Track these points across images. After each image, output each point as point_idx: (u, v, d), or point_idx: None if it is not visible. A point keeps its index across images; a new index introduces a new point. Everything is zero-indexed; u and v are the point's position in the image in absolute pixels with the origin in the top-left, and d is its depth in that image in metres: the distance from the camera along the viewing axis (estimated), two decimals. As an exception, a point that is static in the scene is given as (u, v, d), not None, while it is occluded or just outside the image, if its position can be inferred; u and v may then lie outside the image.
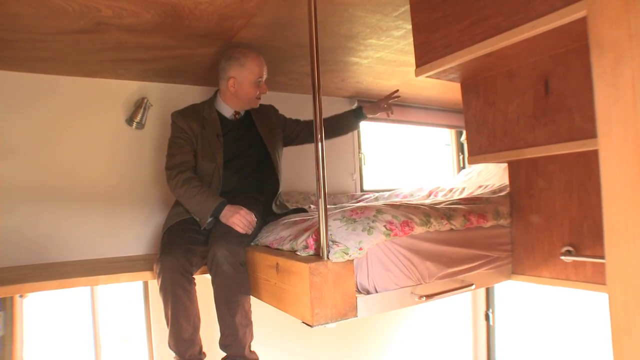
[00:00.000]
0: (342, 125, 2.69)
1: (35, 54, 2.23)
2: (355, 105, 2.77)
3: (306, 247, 1.63)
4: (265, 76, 2.27)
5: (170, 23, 1.97)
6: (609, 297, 0.77)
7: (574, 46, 1.64)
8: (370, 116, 2.72)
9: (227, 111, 2.33)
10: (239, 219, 1.97)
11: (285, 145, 2.58)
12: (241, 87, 2.24)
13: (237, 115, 2.35)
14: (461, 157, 4.43)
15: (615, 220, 0.75)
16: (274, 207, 2.29)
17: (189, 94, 2.86)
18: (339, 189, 3.53)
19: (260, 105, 2.45)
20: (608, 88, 0.76)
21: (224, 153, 2.25)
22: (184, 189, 2.09)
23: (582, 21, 1.30)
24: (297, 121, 2.66)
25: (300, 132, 2.63)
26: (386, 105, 2.67)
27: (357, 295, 1.59)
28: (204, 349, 2.07)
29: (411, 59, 2.43)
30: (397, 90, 2.68)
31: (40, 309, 2.92)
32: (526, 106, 1.86)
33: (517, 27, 1.45)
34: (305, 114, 3.14)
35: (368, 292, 1.64)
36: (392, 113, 2.69)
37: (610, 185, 0.76)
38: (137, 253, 2.74)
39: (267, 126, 2.42)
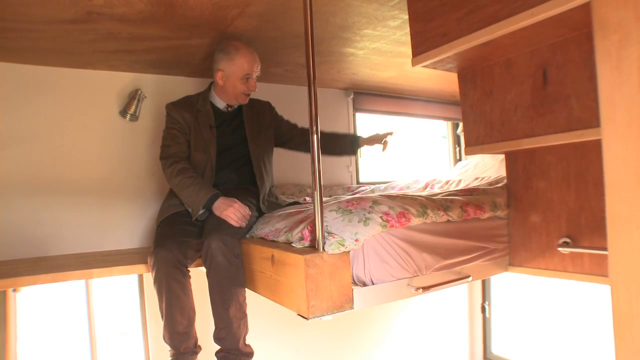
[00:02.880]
0: (336, 146, 2.65)
1: (25, 44, 2.19)
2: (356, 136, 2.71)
3: (302, 238, 1.62)
4: (256, 73, 2.23)
5: (164, 13, 1.94)
6: (611, 288, 0.76)
7: (573, 35, 1.62)
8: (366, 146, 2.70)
9: (220, 103, 2.30)
10: (233, 212, 1.94)
11: (276, 146, 2.53)
12: (228, 81, 2.21)
13: (229, 108, 2.32)
14: (457, 149, 4.42)
15: (618, 208, 0.74)
16: (262, 207, 2.24)
17: (184, 86, 2.84)
18: (335, 181, 3.52)
19: (257, 100, 2.44)
20: (612, 72, 0.73)
21: (217, 145, 2.23)
22: (178, 178, 2.08)
23: (582, 9, 1.28)
24: (294, 126, 2.60)
25: (293, 138, 2.57)
26: (384, 140, 2.63)
27: (353, 287, 1.57)
28: (200, 342, 2.06)
29: (408, 49, 2.41)
30: (392, 133, 2.66)
31: (34, 303, 2.90)
32: (524, 96, 1.84)
33: (516, 15, 1.43)
34: (301, 106, 3.12)
35: (364, 284, 1.62)
36: (386, 148, 2.64)
37: (613, 172, 0.74)
38: (132, 246, 2.72)
39: (256, 125, 2.38)
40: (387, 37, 2.44)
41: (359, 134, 2.69)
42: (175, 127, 2.21)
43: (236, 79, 2.19)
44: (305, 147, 2.59)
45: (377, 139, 2.62)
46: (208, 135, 2.22)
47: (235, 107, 2.34)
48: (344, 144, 2.68)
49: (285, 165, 3.10)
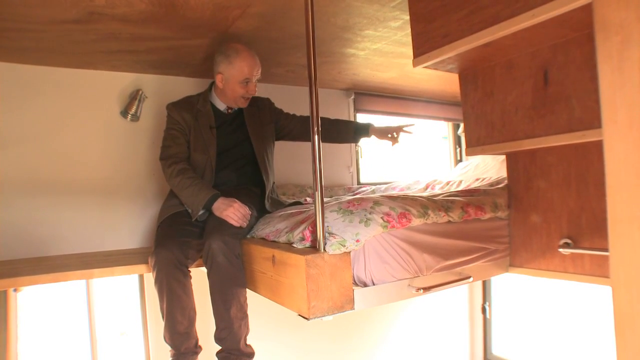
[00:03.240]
0: (339, 133, 2.61)
1: (26, 44, 2.19)
2: (366, 124, 2.61)
3: (303, 239, 1.62)
4: (256, 77, 2.22)
5: (165, 13, 1.94)
6: (612, 289, 0.76)
7: (574, 36, 1.62)
8: (375, 137, 2.61)
9: (220, 105, 2.30)
10: (233, 212, 1.94)
11: (277, 139, 2.53)
12: (228, 85, 2.20)
13: (230, 109, 2.32)
14: (458, 150, 4.41)
15: (619, 209, 0.74)
16: (266, 205, 2.25)
17: (185, 86, 2.84)
18: (336, 181, 3.52)
19: (257, 98, 2.43)
20: (614, 73, 0.73)
21: (217, 145, 2.23)
22: (178, 179, 2.08)
23: (583, 9, 1.28)
24: (292, 116, 2.58)
25: (293, 129, 2.56)
26: (395, 134, 2.55)
27: (354, 287, 1.57)
28: (200, 342, 2.06)
29: (409, 50, 2.41)
30: (413, 125, 2.58)
31: (35, 303, 2.90)
32: (525, 97, 1.84)
33: (517, 15, 1.43)
34: (302, 107, 3.12)
35: (365, 285, 1.62)
36: (397, 143, 2.56)
37: (614, 173, 0.74)
38: (132, 246, 2.72)
39: (258, 123, 2.38)
40: (388, 37, 2.44)
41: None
42: (176, 127, 2.21)
43: (235, 82, 2.18)
44: (307, 136, 2.56)
45: (389, 132, 2.56)
46: (208, 136, 2.22)
47: (236, 108, 2.34)
48: (346, 132, 2.63)
49: (285, 166, 3.10)
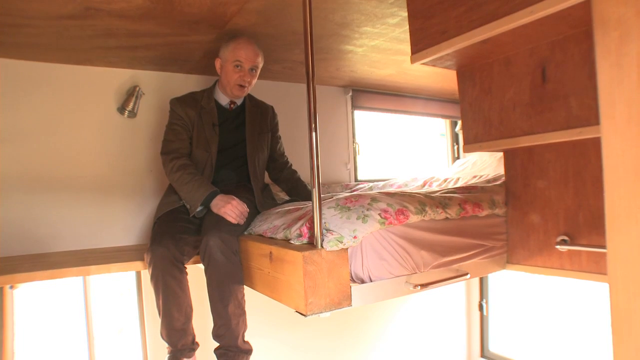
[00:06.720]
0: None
1: (22, 40, 2.18)
2: None
3: (300, 235, 1.62)
4: (249, 63, 2.21)
5: (162, 9, 1.93)
6: (609, 285, 0.76)
7: (572, 33, 1.62)
8: None
9: (223, 100, 2.31)
10: (231, 209, 1.94)
11: None
12: (223, 69, 2.24)
13: (232, 105, 2.32)
14: (456, 147, 4.42)
15: (617, 205, 0.73)
16: (258, 206, 2.22)
17: (182, 83, 2.83)
18: (333, 178, 3.52)
19: (262, 102, 2.45)
20: (612, 68, 0.73)
21: (218, 143, 2.23)
22: (178, 174, 2.07)
23: (581, 6, 1.28)
24: (277, 143, 2.54)
25: (271, 168, 2.55)
26: None
27: (351, 284, 1.57)
28: (198, 339, 2.06)
29: (406, 47, 2.41)
30: None
31: (31, 300, 2.89)
32: (523, 94, 1.84)
33: (515, 12, 1.43)
34: (300, 104, 3.12)
35: (362, 281, 1.62)
36: None
37: (612, 169, 0.74)
38: (129, 243, 2.72)
39: (257, 127, 2.37)
40: (386, 34, 2.43)
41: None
42: (179, 123, 2.21)
43: (229, 65, 2.20)
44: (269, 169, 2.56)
45: None
46: (210, 133, 2.22)
47: (239, 104, 2.34)
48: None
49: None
